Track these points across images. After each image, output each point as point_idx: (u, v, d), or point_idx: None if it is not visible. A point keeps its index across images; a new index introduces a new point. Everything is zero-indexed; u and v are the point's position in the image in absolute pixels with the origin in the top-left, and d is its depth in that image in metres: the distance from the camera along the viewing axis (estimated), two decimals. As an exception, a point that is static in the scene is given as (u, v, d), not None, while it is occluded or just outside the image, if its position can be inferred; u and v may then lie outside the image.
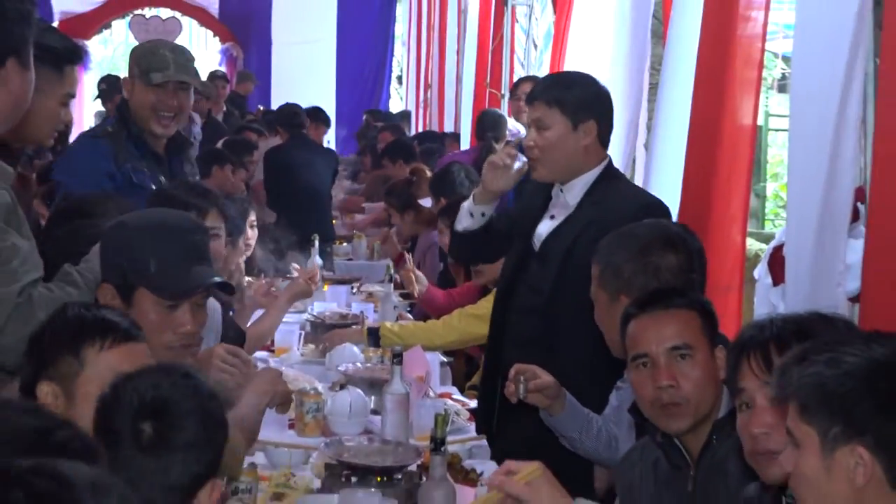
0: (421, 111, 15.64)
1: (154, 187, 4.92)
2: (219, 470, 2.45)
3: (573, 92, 4.51)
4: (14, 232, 3.33)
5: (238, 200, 6.59)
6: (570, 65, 7.82)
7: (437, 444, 3.39)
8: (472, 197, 4.76)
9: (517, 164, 4.54)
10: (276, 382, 3.86)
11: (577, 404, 4.02)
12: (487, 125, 9.73)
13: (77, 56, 4.14)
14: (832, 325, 2.86)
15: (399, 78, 19.56)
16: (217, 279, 3.38)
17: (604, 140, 4.54)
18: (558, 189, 4.52)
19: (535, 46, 10.04)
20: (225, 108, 14.81)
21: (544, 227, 4.49)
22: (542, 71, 8.90)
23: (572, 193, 4.47)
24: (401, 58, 19.36)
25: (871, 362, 2.35)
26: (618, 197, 4.45)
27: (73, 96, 4.21)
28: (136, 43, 20.08)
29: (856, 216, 4.21)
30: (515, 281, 4.57)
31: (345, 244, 9.95)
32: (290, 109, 11.00)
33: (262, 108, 16.79)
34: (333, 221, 10.42)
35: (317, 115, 12.30)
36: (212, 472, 2.42)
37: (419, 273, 6.87)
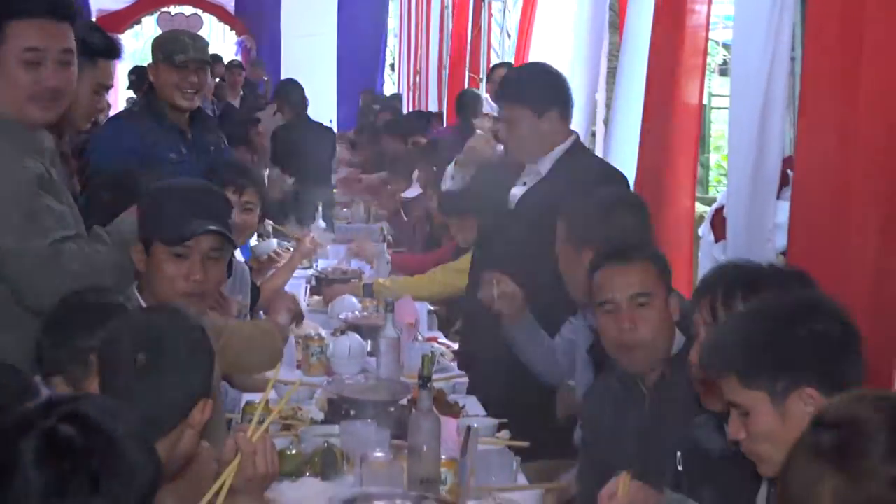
0: (411, 94, 15.56)
1: (174, 156, 4.92)
2: (210, 391, 2.45)
3: (534, 86, 4.48)
4: (49, 196, 3.32)
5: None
6: (535, 52, 7.84)
7: (425, 380, 3.37)
8: (454, 162, 4.81)
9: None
10: (296, 303, 4.06)
11: (534, 321, 4.09)
12: (466, 103, 9.72)
13: (111, 53, 4.12)
14: (784, 277, 2.86)
15: (392, 66, 19.45)
16: (212, 227, 3.29)
17: (566, 119, 4.52)
18: (529, 161, 4.51)
19: (509, 36, 10.00)
20: (242, 93, 14.73)
21: (517, 191, 4.48)
22: (514, 57, 8.87)
23: (543, 164, 4.45)
24: (393, 48, 19.25)
25: (784, 315, 2.39)
26: (583, 166, 4.46)
27: (107, 87, 4.20)
28: (163, 36, 20.07)
29: (786, 181, 4.22)
30: (491, 238, 4.57)
31: (345, 209, 9.89)
32: (295, 91, 10.63)
33: (266, 78, 16.70)
34: (334, 191, 10.33)
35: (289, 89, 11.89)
36: (203, 392, 2.42)
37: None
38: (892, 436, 1.81)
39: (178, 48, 5.06)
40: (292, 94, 10.42)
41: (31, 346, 3.11)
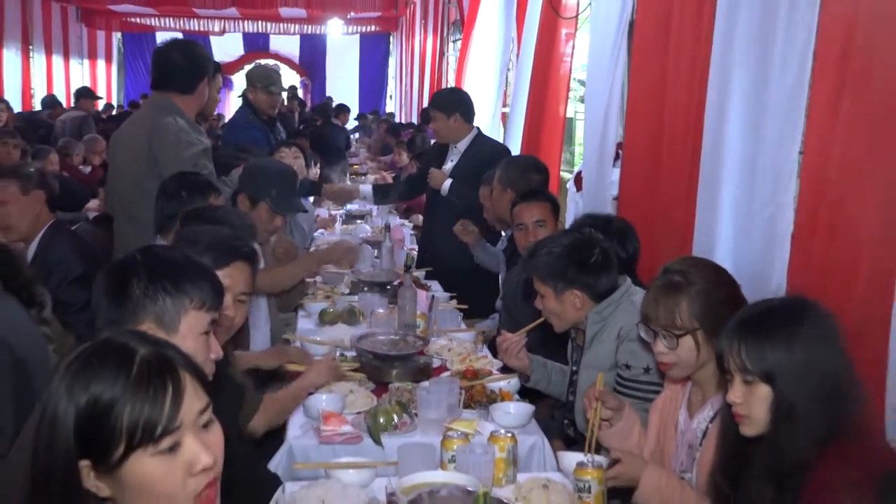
0: (402, 112, 15.37)
1: (266, 146, 4.76)
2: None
3: (444, 100, 4.38)
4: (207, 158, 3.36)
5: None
6: (467, 83, 7.72)
7: (407, 268, 3.37)
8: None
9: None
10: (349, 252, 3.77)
11: (485, 242, 4.05)
12: (424, 112, 9.59)
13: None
14: (622, 225, 2.85)
15: (391, 96, 19.15)
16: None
17: (468, 120, 4.39)
18: (453, 146, 4.41)
19: (457, 74, 9.92)
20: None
21: (448, 166, 4.37)
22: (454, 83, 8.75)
23: (462, 146, 4.36)
24: (393, 86, 18.96)
25: (569, 246, 2.44)
26: (483, 147, 4.36)
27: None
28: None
29: (617, 157, 4.20)
30: (434, 199, 4.47)
31: (363, 177, 9.65)
32: (324, 105, 10.63)
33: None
34: (353, 166, 9.97)
35: (343, 108, 12.02)
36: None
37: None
38: (708, 275, 1.95)
39: (270, 82, 4.90)
40: (323, 106, 10.39)
41: None
